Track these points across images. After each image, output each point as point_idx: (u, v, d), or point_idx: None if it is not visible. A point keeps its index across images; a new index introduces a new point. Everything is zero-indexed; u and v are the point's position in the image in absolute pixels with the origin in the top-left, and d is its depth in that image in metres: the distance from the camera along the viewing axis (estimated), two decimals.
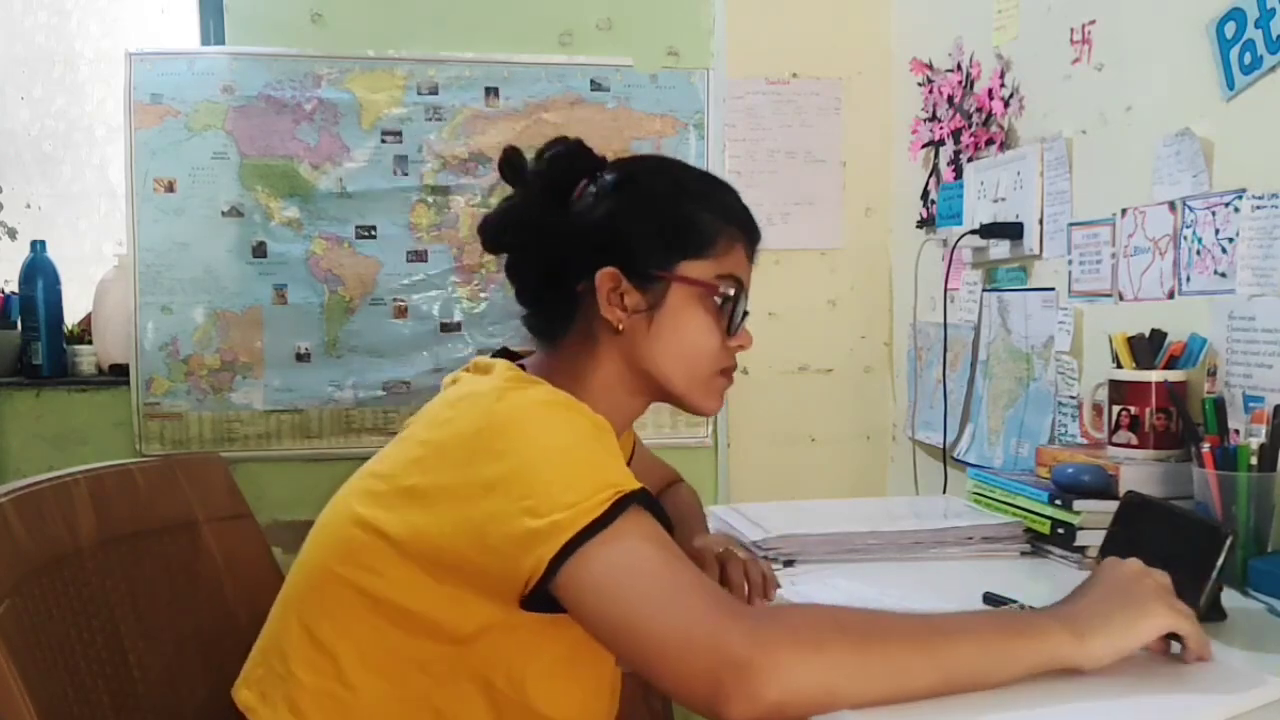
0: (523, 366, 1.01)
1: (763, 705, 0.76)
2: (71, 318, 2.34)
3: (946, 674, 0.79)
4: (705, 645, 0.78)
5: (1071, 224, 1.67)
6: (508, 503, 0.83)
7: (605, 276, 0.97)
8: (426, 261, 2.34)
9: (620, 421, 1.02)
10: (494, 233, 1.03)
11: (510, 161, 1.04)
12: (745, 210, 1.06)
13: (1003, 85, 1.88)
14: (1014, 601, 1.05)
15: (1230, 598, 1.02)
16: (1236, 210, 1.31)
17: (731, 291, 1.01)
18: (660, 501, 0.89)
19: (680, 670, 0.79)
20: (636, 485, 0.85)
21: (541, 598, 0.83)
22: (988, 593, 1.09)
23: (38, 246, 2.25)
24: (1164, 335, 1.37)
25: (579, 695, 0.97)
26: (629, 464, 1.18)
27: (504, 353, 1.06)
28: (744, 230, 1.05)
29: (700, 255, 1.00)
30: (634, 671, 0.84)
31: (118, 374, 2.27)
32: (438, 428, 0.92)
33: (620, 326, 0.98)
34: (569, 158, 1.03)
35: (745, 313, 1.04)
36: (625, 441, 1.19)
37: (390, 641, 0.89)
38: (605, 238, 0.99)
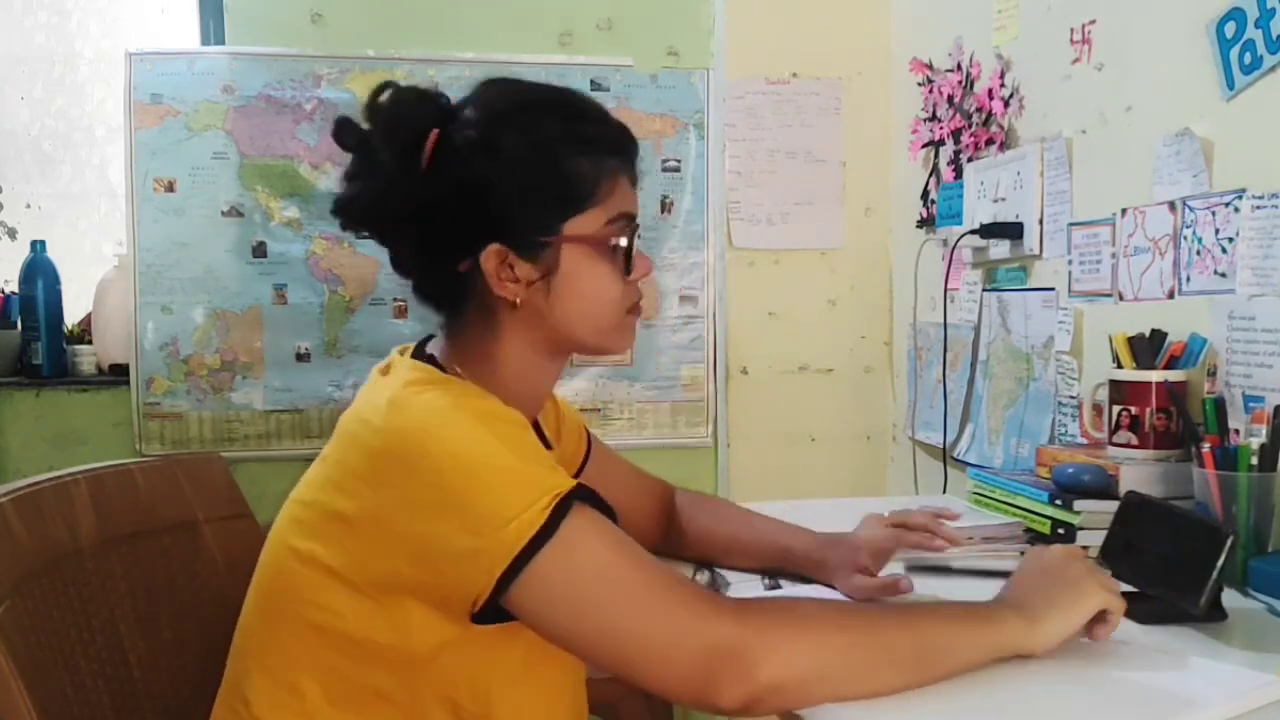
0: (431, 356, 0.96)
1: (756, 687, 0.76)
2: (71, 318, 2.34)
3: (925, 657, 0.81)
4: (693, 637, 0.78)
5: (1071, 224, 1.67)
6: (441, 522, 0.80)
7: (490, 255, 0.91)
8: None
9: (541, 389, 1.01)
10: (352, 215, 0.96)
11: (347, 128, 0.96)
12: (616, 132, 0.98)
13: (1003, 85, 1.88)
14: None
15: (1230, 598, 1.02)
16: (1236, 210, 1.31)
17: (623, 230, 0.95)
18: (597, 492, 0.85)
19: (669, 667, 0.78)
20: (570, 483, 0.82)
21: (492, 611, 0.81)
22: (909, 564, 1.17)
23: (38, 246, 2.25)
24: (1164, 335, 1.37)
25: (544, 701, 0.94)
26: (581, 471, 1.17)
27: (426, 341, 1.01)
28: (621, 157, 0.97)
29: (583, 208, 0.93)
30: (611, 675, 0.82)
31: (118, 374, 2.27)
32: (347, 444, 0.89)
33: (517, 300, 0.93)
34: (410, 110, 0.94)
35: (639, 238, 0.98)
36: (561, 420, 1.16)
37: (349, 674, 0.86)
38: (480, 212, 0.91)
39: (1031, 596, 0.88)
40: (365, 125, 0.95)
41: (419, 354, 0.97)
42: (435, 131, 0.92)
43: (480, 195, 0.91)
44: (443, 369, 0.94)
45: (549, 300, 0.93)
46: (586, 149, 0.94)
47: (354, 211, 0.96)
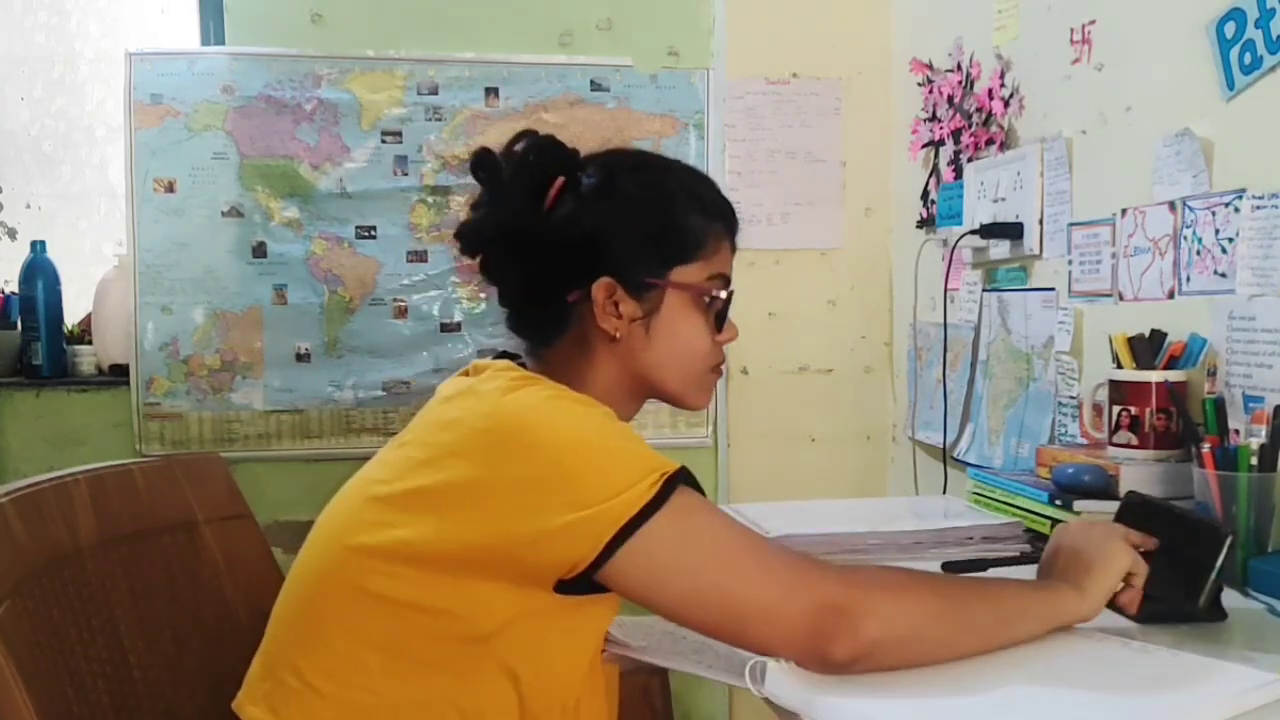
0: (523, 365, 1.01)
1: (864, 641, 0.83)
2: (71, 318, 2.34)
3: (1002, 626, 0.89)
4: (804, 595, 0.84)
5: (1071, 224, 1.67)
6: (541, 498, 0.84)
7: (601, 288, 0.98)
8: (426, 262, 2.34)
9: None
10: (473, 241, 1.03)
11: (484, 162, 1.02)
12: (726, 202, 1.07)
13: (1003, 85, 1.88)
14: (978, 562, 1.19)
15: (1230, 598, 1.02)
16: (1236, 210, 1.31)
17: (723, 292, 1.03)
18: (698, 480, 0.92)
19: (781, 622, 0.84)
20: (676, 464, 0.88)
21: (582, 583, 0.85)
22: (946, 562, 1.19)
23: (38, 246, 2.25)
24: (1164, 335, 1.37)
25: (594, 683, 0.98)
26: None
27: (502, 355, 1.06)
28: (727, 224, 1.06)
29: (691, 260, 1.02)
30: (717, 636, 0.88)
31: (118, 374, 2.27)
32: (444, 429, 0.92)
33: (618, 335, 1.00)
34: (542, 155, 1.02)
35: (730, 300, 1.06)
36: None
37: (410, 645, 0.89)
38: (595, 249, 0.99)
39: (1071, 568, 0.95)
40: (501, 163, 1.03)
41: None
42: (561, 178, 1.01)
43: (598, 232, 0.99)
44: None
45: (646, 339, 1.01)
46: (699, 207, 1.03)
47: (475, 238, 1.03)
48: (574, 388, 0.97)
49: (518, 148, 1.02)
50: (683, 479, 0.87)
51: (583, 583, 0.85)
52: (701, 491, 0.90)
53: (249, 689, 0.97)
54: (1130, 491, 1.14)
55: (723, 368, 1.08)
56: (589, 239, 0.99)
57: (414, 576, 0.88)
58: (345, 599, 0.91)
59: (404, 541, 0.88)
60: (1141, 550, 0.97)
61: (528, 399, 0.90)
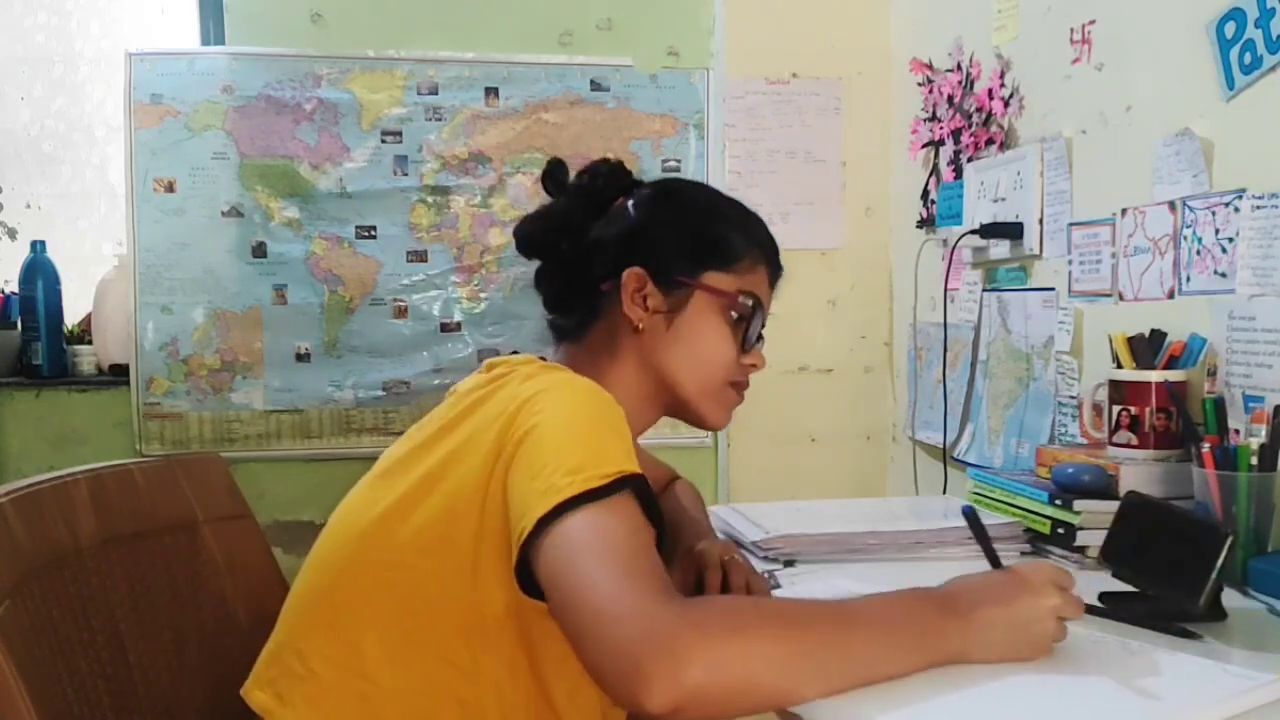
0: (543, 358, 1.04)
1: (683, 686, 0.72)
2: (71, 318, 2.34)
3: (856, 671, 0.79)
4: (633, 620, 0.75)
5: (1071, 224, 1.67)
6: (523, 466, 0.85)
7: (632, 275, 1.02)
8: (426, 261, 2.34)
9: (635, 426, 1.03)
10: (531, 235, 1.08)
11: (552, 173, 1.10)
12: (773, 241, 1.11)
13: (1003, 85, 1.88)
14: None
15: (1230, 598, 1.02)
16: (1236, 210, 1.31)
17: (750, 305, 1.04)
18: (657, 499, 0.91)
19: (604, 643, 0.76)
20: (636, 471, 0.86)
21: (528, 576, 0.83)
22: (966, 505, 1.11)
23: (38, 246, 2.25)
24: (1164, 335, 1.37)
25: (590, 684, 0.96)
26: None
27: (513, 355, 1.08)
28: (769, 258, 1.09)
29: (725, 269, 1.04)
30: (570, 640, 0.81)
31: (118, 374, 2.27)
32: (462, 411, 0.94)
33: (640, 325, 1.02)
34: (611, 175, 1.09)
35: (761, 335, 1.08)
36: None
37: (416, 635, 0.90)
38: (636, 240, 1.04)
39: (983, 629, 0.84)
40: (572, 180, 1.11)
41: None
42: (621, 199, 1.08)
43: (640, 227, 1.05)
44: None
45: (667, 334, 1.03)
46: (743, 230, 1.08)
47: (540, 231, 1.09)
48: (597, 379, 0.97)
49: (591, 169, 1.10)
50: (634, 486, 0.84)
51: (530, 579, 0.83)
52: (653, 515, 0.87)
53: (256, 674, 0.98)
54: (1130, 491, 1.14)
55: (744, 393, 1.10)
56: (631, 233, 1.04)
57: (425, 564, 0.89)
58: (358, 585, 0.92)
59: (415, 528, 0.90)
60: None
61: (547, 379, 0.92)
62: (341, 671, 0.91)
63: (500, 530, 0.86)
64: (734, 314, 1.04)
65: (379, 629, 0.90)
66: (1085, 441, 1.50)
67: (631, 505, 0.85)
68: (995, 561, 0.95)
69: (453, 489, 0.90)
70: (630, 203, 1.07)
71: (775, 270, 1.11)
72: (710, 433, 2.44)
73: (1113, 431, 1.36)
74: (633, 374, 1.04)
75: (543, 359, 1.04)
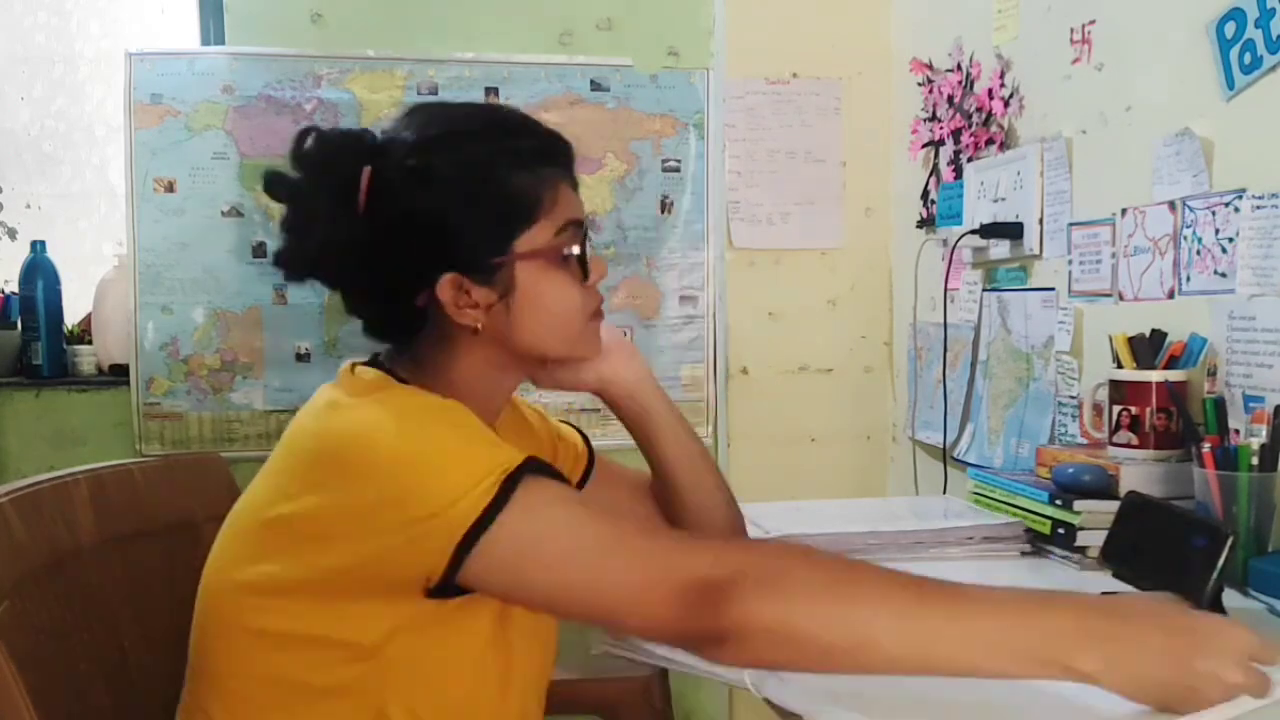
0: (383, 367, 0.96)
1: (726, 624, 0.75)
2: (71, 318, 2.34)
3: (918, 646, 0.76)
4: (667, 577, 0.77)
5: (1071, 224, 1.67)
6: (385, 515, 0.80)
7: (445, 285, 0.91)
8: None
9: (495, 403, 1.00)
10: (298, 266, 0.96)
11: (274, 182, 0.95)
12: (548, 141, 0.97)
13: (1003, 85, 1.88)
14: None
15: (1230, 598, 1.02)
16: (1236, 210, 1.31)
17: (575, 244, 0.95)
18: (551, 464, 0.86)
19: (648, 610, 0.78)
20: (519, 457, 0.82)
21: (449, 589, 0.82)
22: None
23: (38, 246, 2.25)
24: (1164, 335, 1.37)
25: (497, 693, 0.94)
26: (583, 484, 1.16)
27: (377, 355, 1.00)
28: (556, 164, 0.96)
29: (532, 222, 0.93)
30: (596, 625, 0.83)
31: (118, 374, 2.27)
32: (291, 454, 0.89)
33: (479, 326, 0.93)
34: (335, 152, 0.93)
35: (588, 242, 0.98)
36: (558, 442, 1.16)
37: (296, 675, 0.86)
38: (427, 243, 0.91)
39: (1137, 658, 0.74)
40: (295, 174, 0.94)
41: (371, 364, 0.97)
42: (368, 170, 0.91)
43: (425, 226, 0.91)
44: (392, 374, 0.94)
45: (510, 319, 0.93)
46: (522, 163, 0.93)
47: (297, 262, 0.96)
48: (442, 383, 0.94)
49: (306, 147, 0.93)
50: (529, 470, 0.81)
51: (450, 588, 0.82)
52: (559, 478, 0.85)
53: None
54: (1130, 491, 1.14)
55: (603, 309, 1.01)
56: (418, 237, 0.91)
57: (285, 607, 0.85)
58: (229, 637, 0.89)
59: (269, 575, 0.85)
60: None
61: (357, 410, 0.86)
62: None
63: (365, 574, 0.82)
64: (563, 255, 0.94)
65: (261, 679, 0.87)
66: (1085, 441, 1.50)
67: (543, 487, 0.82)
68: (1214, 603, 0.84)
69: (297, 534, 0.85)
70: (389, 187, 0.91)
71: (569, 165, 0.98)
72: (710, 433, 2.44)
73: (1113, 431, 1.36)
74: (482, 363, 0.96)
75: (383, 364, 0.96)
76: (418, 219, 0.91)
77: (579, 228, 0.96)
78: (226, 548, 0.92)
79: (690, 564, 0.78)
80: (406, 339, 0.97)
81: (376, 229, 0.91)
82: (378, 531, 0.80)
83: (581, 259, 0.95)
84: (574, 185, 0.98)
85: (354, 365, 0.97)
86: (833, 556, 0.81)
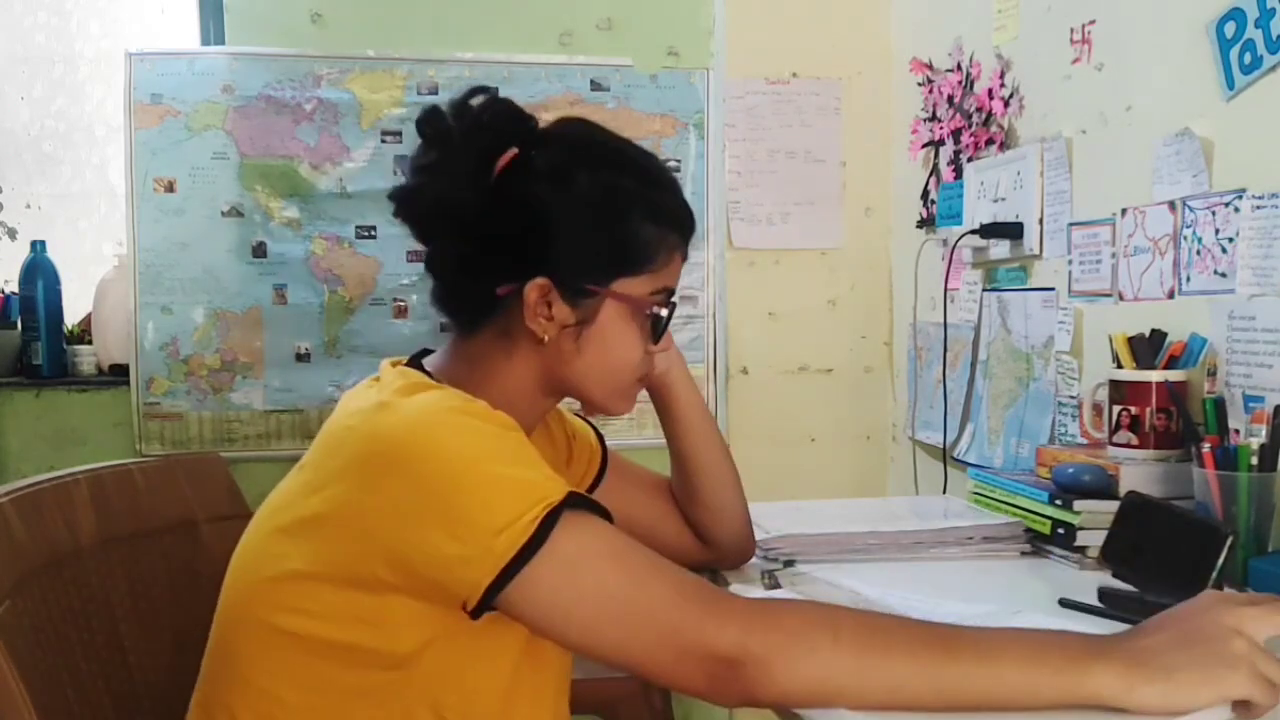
0: (423, 367, 0.95)
1: (758, 700, 0.78)
2: (71, 318, 2.34)
3: (953, 694, 0.77)
4: (696, 653, 0.78)
5: (1071, 224, 1.67)
6: (426, 528, 0.79)
7: (535, 289, 0.91)
8: None
9: (532, 424, 0.99)
10: (414, 207, 0.95)
11: (432, 119, 0.95)
12: (686, 211, 0.99)
13: (1003, 85, 1.88)
14: (1093, 607, 1.04)
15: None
16: (1236, 210, 1.31)
17: (664, 300, 0.97)
18: (590, 498, 0.85)
19: (674, 677, 0.80)
20: (562, 491, 0.81)
21: (485, 609, 0.81)
22: (1063, 598, 1.08)
23: (38, 246, 2.25)
24: (1164, 335, 1.37)
25: (530, 702, 0.93)
26: (596, 488, 1.15)
27: (417, 356, 1.00)
28: (683, 234, 0.98)
29: (638, 272, 0.95)
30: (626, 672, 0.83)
31: (118, 374, 2.27)
32: (331, 453, 0.87)
33: (546, 338, 0.93)
34: (498, 120, 0.94)
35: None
36: (573, 439, 1.16)
37: (330, 678, 0.85)
38: (538, 241, 0.91)
39: (1151, 651, 0.76)
40: (450, 122, 0.95)
41: (412, 365, 0.96)
42: (514, 150, 0.92)
43: (542, 224, 0.91)
44: (432, 379, 0.92)
45: (575, 347, 0.94)
46: (656, 216, 0.95)
47: (415, 203, 0.95)
48: (486, 383, 0.93)
49: (473, 104, 0.94)
50: (569, 506, 0.80)
51: (486, 610, 0.81)
52: (600, 511, 0.84)
53: None
54: (1130, 491, 1.14)
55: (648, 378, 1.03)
56: (532, 232, 0.91)
57: (317, 610, 0.84)
58: (257, 637, 0.87)
59: (298, 572, 0.84)
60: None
61: (410, 413, 0.84)
62: None
63: (402, 582, 0.81)
64: (649, 314, 0.96)
65: (292, 680, 0.86)
66: (1085, 441, 1.50)
67: (582, 528, 0.81)
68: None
69: (327, 529, 0.84)
70: (526, 175, 0.92)
71: (688, 242, 0.99)
72: None
73: (1113, 431, 1.36)
74: (532, 379, 0.96)
75: (423, 367, 0.95)
76: (539, 214, 0.91)
77: (670, 296, 0.98)
78: (258, 544, 0.90)
79: (720, 637, 0.78)
80: (470, 323, 0.97)
81: (497, 204, 0.91)
82: (415, 534, 0.79)
83: (660, 323, 0.98)
84: (685, 258, 1.00)
85: (395, 363, 0.96)
86: (860, 618, 0.82)
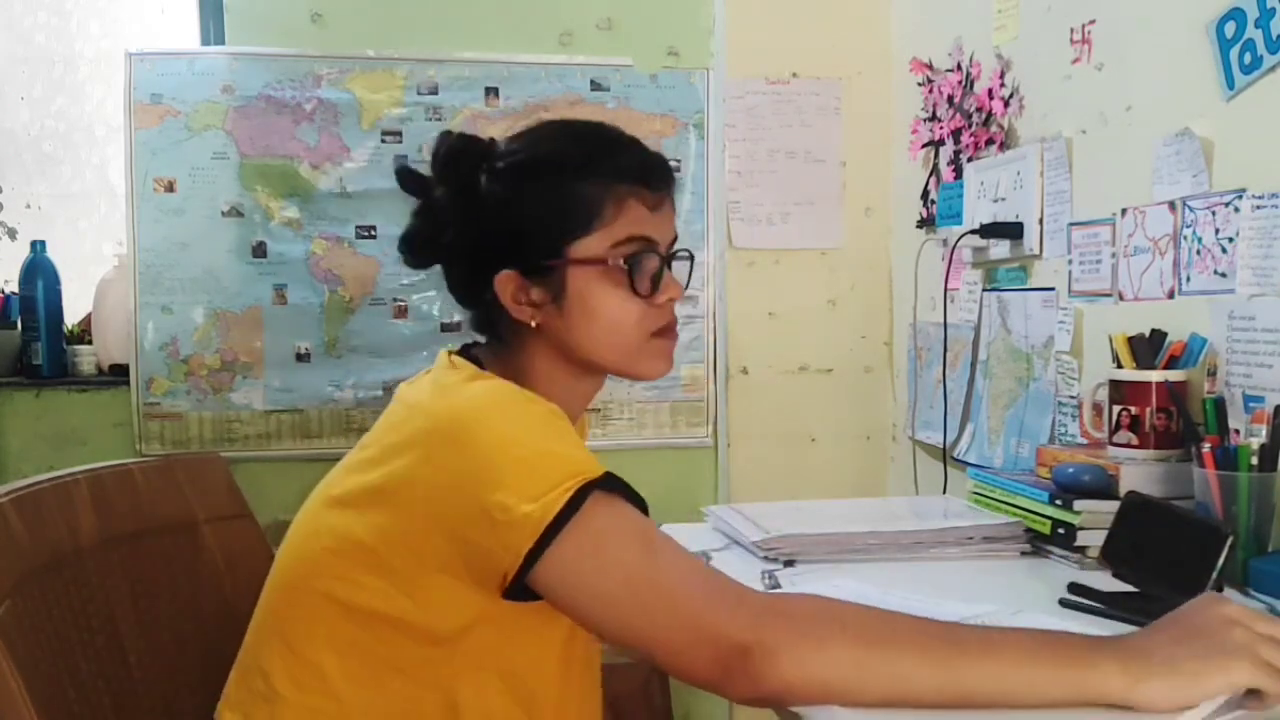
0: (478, 360, 1.01)
1: (763, 691, 0.79)
2: (71, 318, 2.34)
3: (957, 690, 0.77)
4: (708, 637, 0.80)
5: (1071, 224, 1.67)
6: (474, 498, 0.83)
7: (502, 281, 0.97)
8: None
9: (573, 408, 1.02)
10: (413, 250, 1.04)
11: (405, 175, 1.04)
12: (638, 160, 0.99)
13: (1003, 85, 1.88)
14: (1094, 607, 1.04)
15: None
16: (1236, 210, 1.31)
17: (634, 253, 0.96)
18: (626, 483, 0.88)
19: (685, 664, 0.82)
20: (598, 471, 0.85)
21: (523, 590, 0.84)
22: (1063, 598, 1.07)
23: (38, 246, 2.25)
24: (1164, 335, 1.37)
25: (577, 685, 0.97)
26: None
27: (466, 348, 1.06)
28: (640, 182, 0.98)
29: (587, 231, 0.96)
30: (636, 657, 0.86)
31: (118, 374, 2.27)
32: (393, 430, 0.93)
33: (534, 323, 0.97)
34: (455, 153, 1.00)
35: (667, 264, 1.00)
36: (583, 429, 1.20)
37: (371, 650, 0.89)
38: (493, 238, 0.98)
39: (1153, 647, 0.77)
40: (422, 170, 1.03)
41: (465, 355, 1.02)
42: (484, 167, 0.99)
43: (492, 221, 0.97)
44: (479, 366, 0.98)
45: (563, 322, 0.97)
46: (593, 173, 0.97)
47: (412, 246, 1.04)
48: (520, 378, 0.97)
49: (441, 155, 1.01)
50: (601, 486, 0.84)
51: (524, 592, 0.85)
52: (633, 497, 0.87)
53: (227, 695, 0.97)
54: (1130, 491, 1.14)
55: (676, 329, 1.02)
56: (486, 230, 0.98)
57: (371, 582, 0.88)
58: (308, 605, 0.91)
59: (356, 541, 0.89)
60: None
61: (468, 393, 0.90)
62: (304, 692, 0.90)
63: (451, 554, 0.85)
64: (615, 268, 0.96)
65: (334, 648, 0.90)
66: (1085, 441, 1.50)
67: (610, 509, 0.85)
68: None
69: (384, 498, 0.88)
70: (483, 193, 0.98)
71: (656, 189, 0.99)
72: (710, 433, 2.44)
73: (1113, 431, 1.36)
74: (551, 363, 1.00)
75: (476, 358, 1.01)
76: (489, 214, 0.98)
77: (644, 244, 0.97)
78: (317, 517, 0.94)
79: (734, 625, 0.80)
80: (490, 329, 1.03)
81: (467, 220, 0.99)
82: (465, 499, 0.84)
83: (649, 276, 0.97)
84: (653, 206, 0.99)
85: (450, 353, 1.01)
86: (867, 613, 0.83)
